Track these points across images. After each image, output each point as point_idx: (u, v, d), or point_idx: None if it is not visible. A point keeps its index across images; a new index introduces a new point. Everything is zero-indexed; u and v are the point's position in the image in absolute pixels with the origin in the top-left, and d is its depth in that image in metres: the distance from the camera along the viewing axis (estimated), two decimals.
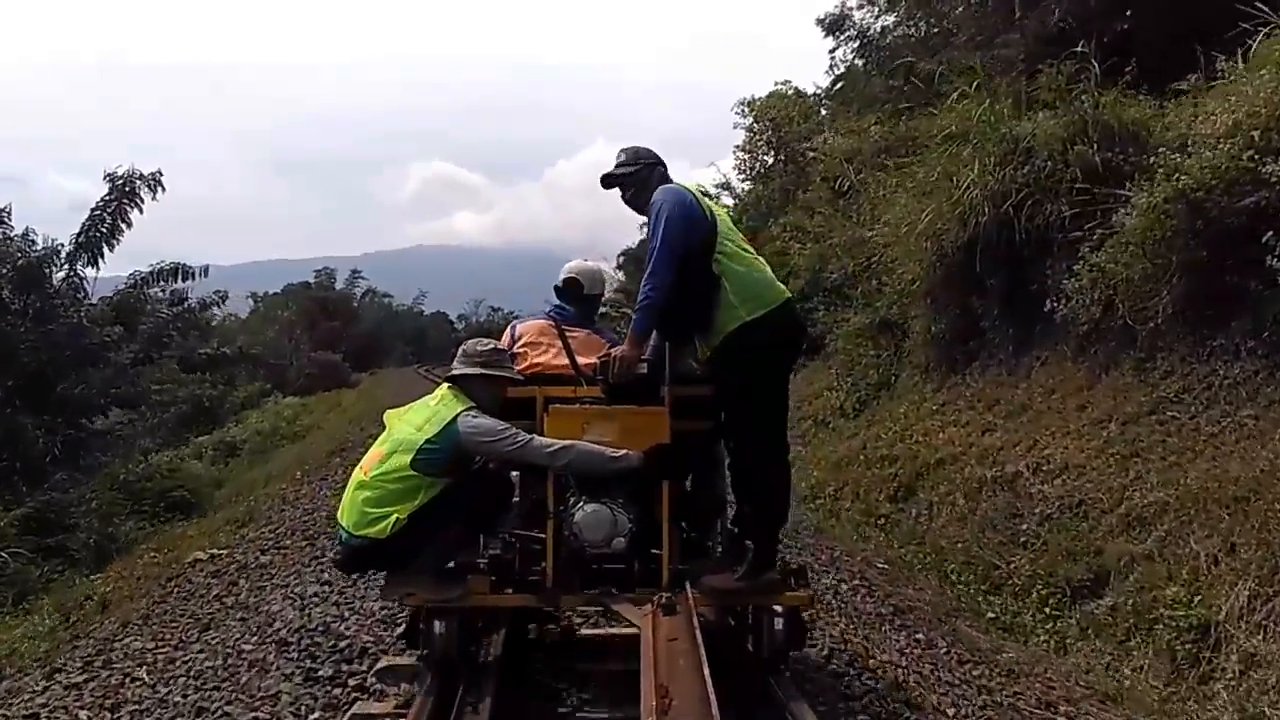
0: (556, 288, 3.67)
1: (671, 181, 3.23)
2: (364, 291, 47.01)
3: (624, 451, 2.98)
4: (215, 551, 6.32)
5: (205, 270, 15.39)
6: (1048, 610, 5.01)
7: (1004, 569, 5.53)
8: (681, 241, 3.00)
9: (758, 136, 17.60)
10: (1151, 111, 7.06)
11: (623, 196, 3.32)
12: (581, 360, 3.30)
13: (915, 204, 8.76)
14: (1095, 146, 6.95)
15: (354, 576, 4.44)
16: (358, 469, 3.12)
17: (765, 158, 17.60)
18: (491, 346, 3.24)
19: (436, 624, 3.00)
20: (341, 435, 13.41)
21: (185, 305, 15.79)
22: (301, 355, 36.25)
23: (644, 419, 3.07)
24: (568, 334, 3.42)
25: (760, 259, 3.24)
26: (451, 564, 3.15)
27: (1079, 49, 7.51)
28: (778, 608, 3.03)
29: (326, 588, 4.62)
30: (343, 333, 39.76)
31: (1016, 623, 5.06)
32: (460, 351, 3.23)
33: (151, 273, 14.65)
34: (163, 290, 15.08)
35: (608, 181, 3.30)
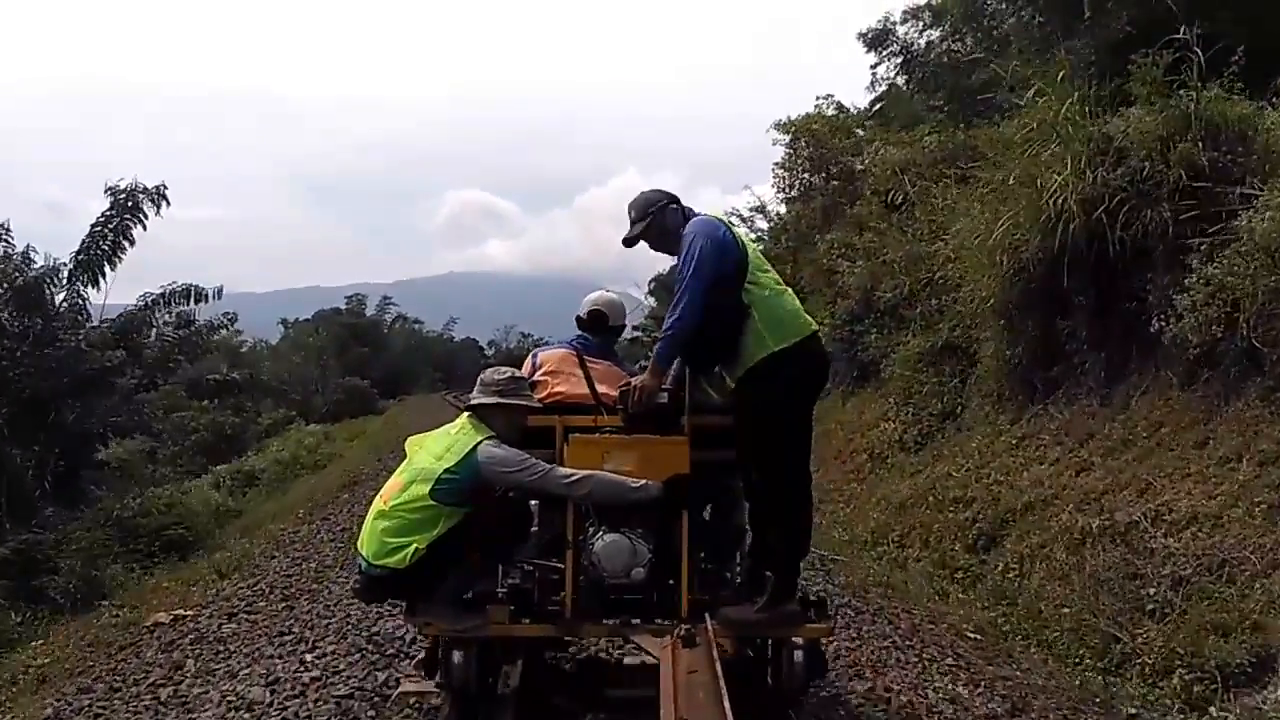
0: (579, 318, 4.23)
1: (694, 213, 3.75)
2: (394, 318, 51.12)
3: (644, 482, 3.48)
4: (180, 613, 6.30)
5: (219, 292, 16.31)
6: (1193, 699, 4.56)
7: (1128, 643, 5.15)
8: (713, 273, 3.50)
9: (798, 154, 18.42)
10: (1252, 109, 7.28)
11: (651, 248, 3.85)
12: (602, 390, 3.82)
13: (986, 214, 9.00)
14: (1200, 145, 7.07)
15: (309, 658, 4.75)
16: (378, 498, 3.67)
17: (806, 175, 18.41)
18: (509, 375, 3.77)
19: (455, 654, 3.50)
20: (357, 467, 14.39)
21: (192, 328, 16.65)
22: (329, 382, 39.41)
23: (664, 449, 3.57)
24: (589, 364, 3.95)
25: (789, 290, 3.74)
26: (470, 594, 3.67)
27: (1180, 35, 7.62)
28: (798, 639, 3.48)
29: (271, 692, 4.37)
30: (372, 359, 43.34)
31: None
32: (479, 381, 3.77)
33: (162, 294, 15.56)
34: (172, 314, 15.97)
35: (629, 244, 3.82)
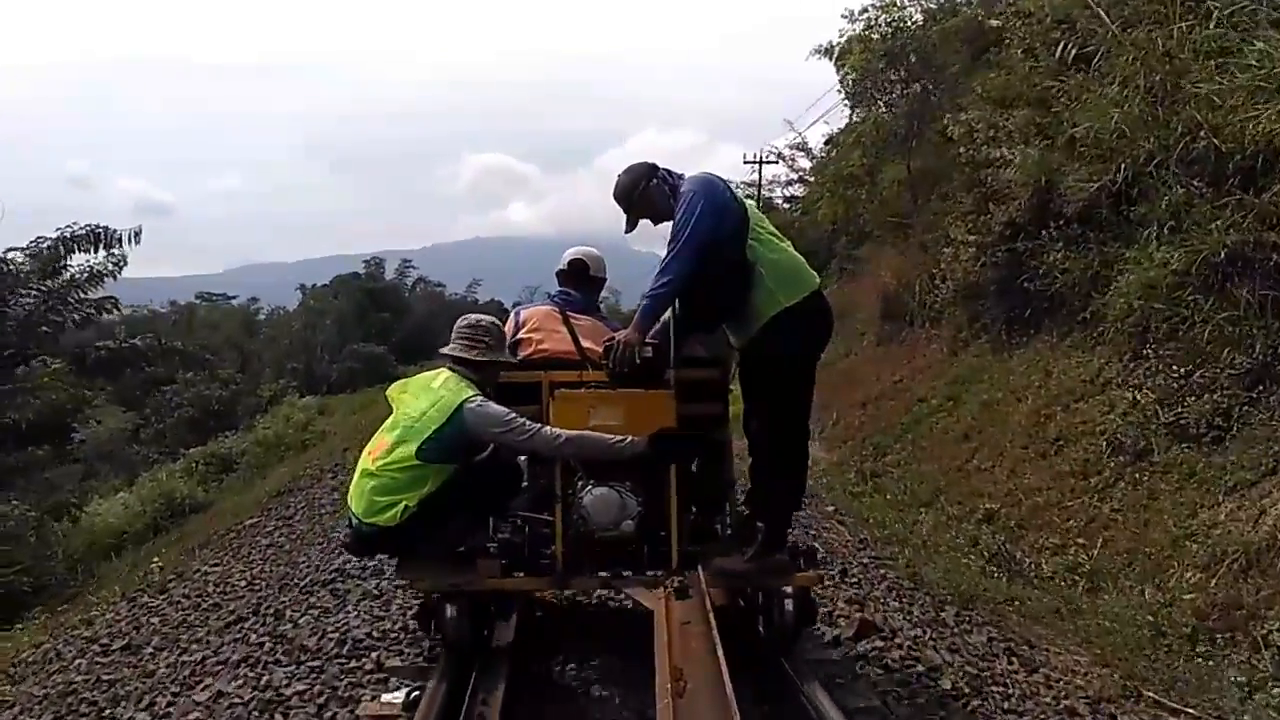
0: (560, 272, 4.20)
1: (679, 177, 3.71)
2: (414, 281, 49.66)
3: (629, 438, 3.49)
4: None
5: (137, 235, 13.65)
6: None
7: None
8: (710, 232, 3.48)
9: (873, 47, 16.90)
10: None
11: (653, 223, 3.81)
12: (586, 345, 3.81)
13: None
14: None
15: None
16: (365, 454, 3.66)
17: (882, 68, 16.97)
18: (470, 323, 3.76)
19: (448, 608, 3.54)
20: (327, 455, 12.84)
21: (61, 279, 13.32)
22: (337, 349, 38.22)
23: (649, 403, 3.59)
24: (573, 320, 3.93)
25: (789, 245, 3.74)
26: (462, 548, 3.69)
27: None
28: (788, 589, 3.55)
29: None
30: (393, 324, 42.06)
31: None
32: (454, 329, 3.77)
33: (59, 239, 12.80)
34: (87, 264, 13.44)
35: (629, 229, 3.81)
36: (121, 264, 14.19)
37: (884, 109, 17.62)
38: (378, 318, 41.73)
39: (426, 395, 3.62)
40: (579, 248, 4.29)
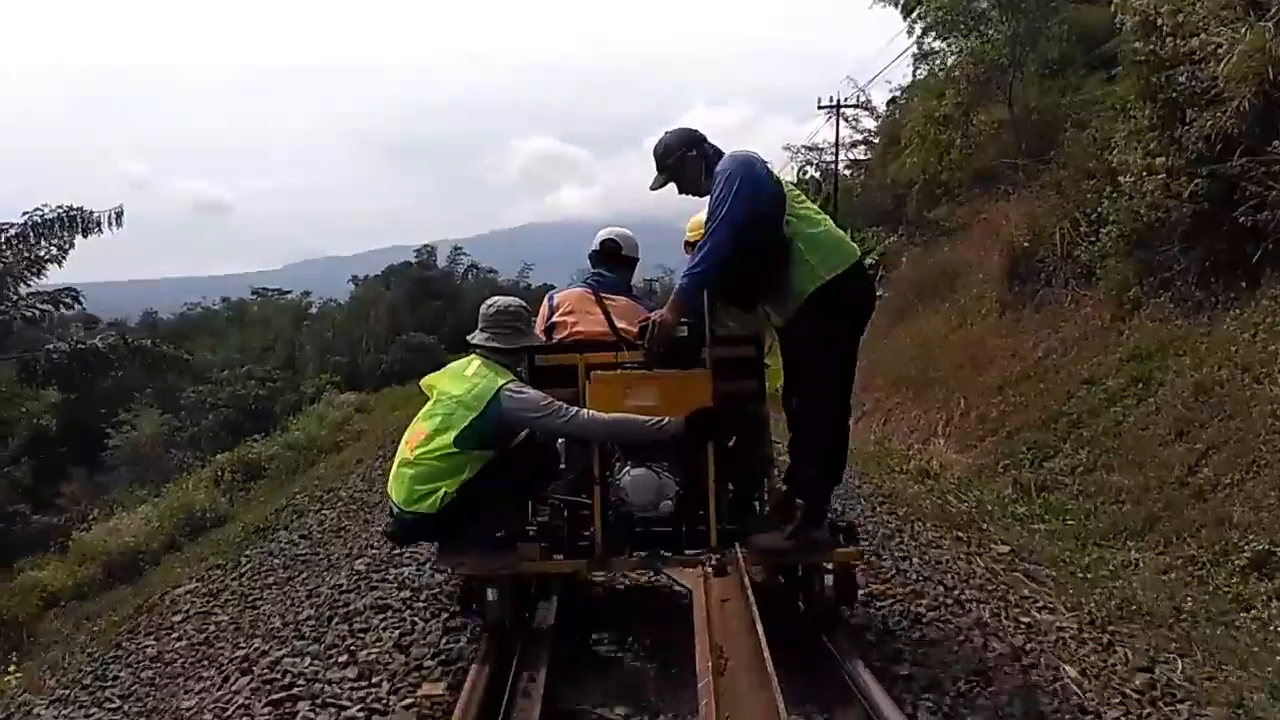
0: (594, 253, 4.21)
1: (718, 153, 3.67)
2: (466, 268, 49.38)
3: (666, 419, 3.49)
4: None
5: (118, 217, 12.03)
6: None
7: None
8: (748, 212, 3.44)
9: None
10: None
11: (679, 191, 3.78)
12: (621, 326, 3.81)
13: None
14: None
15: None
16: (403, 444, 3.70)
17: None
18: (495, 309, 3.76)
19: (489, 591, 3.58)
20: (375, 449, 12.38)
21: (3, 268, 11.79)
22: (386, 340, 37.70)
23: (686, 383, 3.59)
24: (607, 301, 3.94)
25: (829, 219, 3.69)
26: (501, 532, 3.73)
27: None
28: (828, 565, 3.52)
29: None
30: (446, 312, 41.61)
31: None
32: (480, 314, 3.79)
33: (28, 224, 11.33)
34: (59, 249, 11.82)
35: (655, 186, 3.78)
36: (66, 250, 12.12)
37: (980, 39, 16.02)
38: (430, 306, 41.20)
39: (461, 383, 3.65)
40: (611, 228, 4.30)
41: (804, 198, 3.68)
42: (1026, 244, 12.13)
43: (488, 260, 53.82)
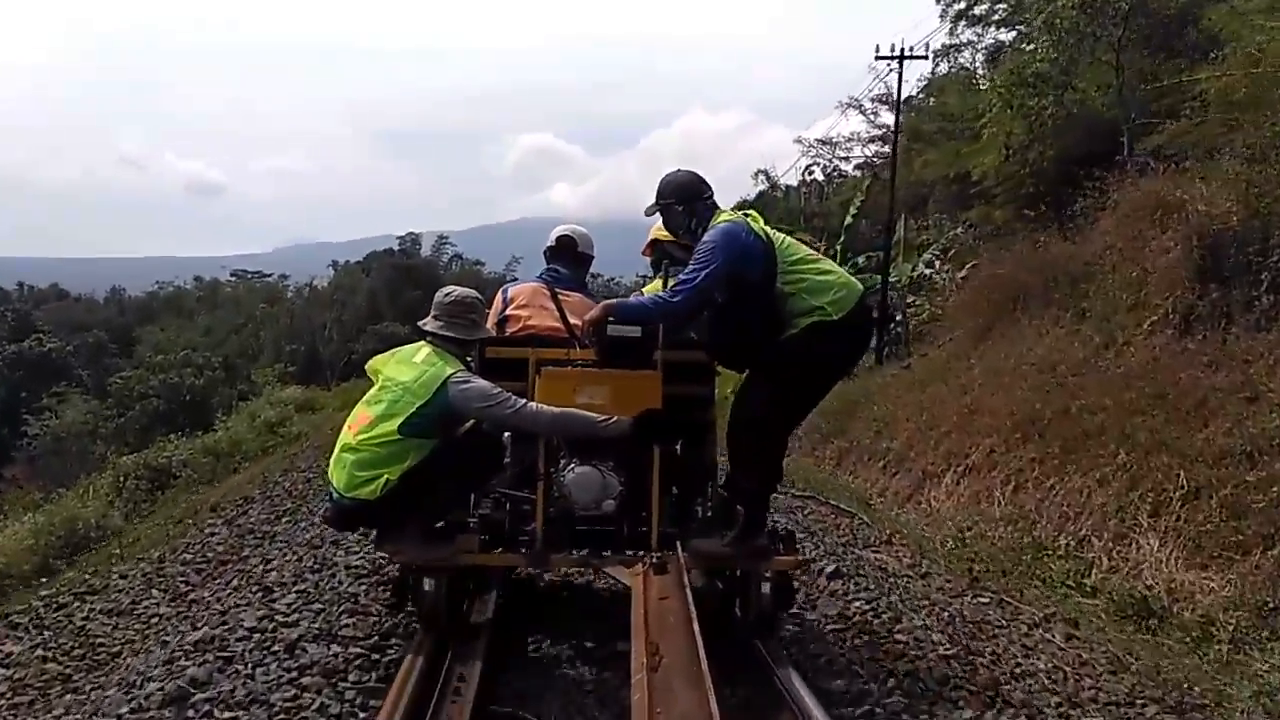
0: (549, 249, 4.22)
1: (709, 211, 3.75)
2: (450, 258, 48.02)
3: (614, 418, 3.50)
4: None
5: None
6: None
7: None
8: (723, 282, 3.53)
9: None
10: None
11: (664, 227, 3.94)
12: (574, 323, 3.82)
13: None
14: None
15: None
16: (345, 429, 3.67)
17: None
18: (454, 299, 3.74)
19: (426, 582, 3.54)
20: (310, 455, 10.92)
21: None
22: (353, 330, 36.05)
23: (636, 383, 3.61)
24: (561, 297, 3.95)
25: (825, 260, 3.77)
26: (441, 523, 3.69)
27: None
28: (766, 572, 3.55)
29: None
30: (425, 303, 41.09)
31: None
32: (434, 302, 3.76)
33: None
34: None
35: (649, 213, 3.92)
36: None
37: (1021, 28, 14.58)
38: (411, 295, 39.01)
39: (409, 369, 3.62)
40: (567, 225, 4.32)
41: (795, 246, 3.74)
42: (1233, 230, 8.12)
43: (479, 253, 52.68)
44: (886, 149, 22.11)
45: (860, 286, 3.76)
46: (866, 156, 26.67)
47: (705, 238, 3.61)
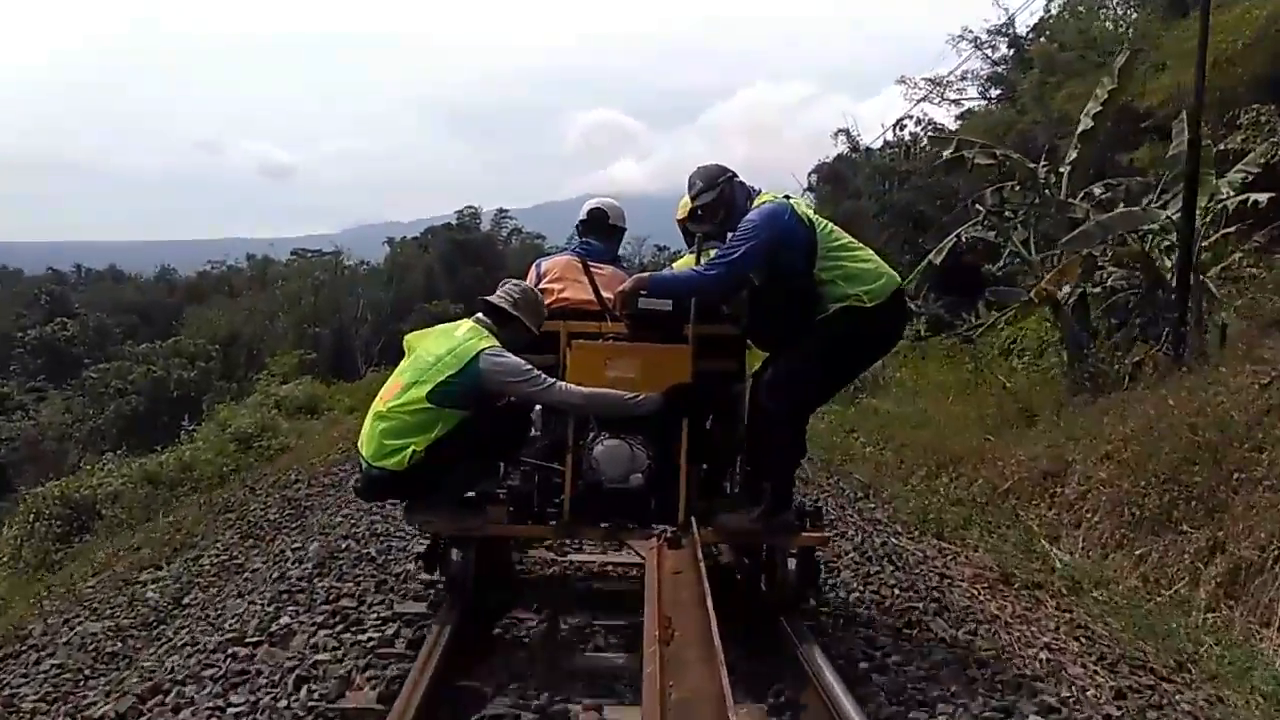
0: (581, 222, 4.24)
1: (740, 195, 3.71)
2: (509, 232, 46.59)
3: (644, 395, 3.50)
4: None
5: None
6: None
7: None
8: (761, 262, 3.52)
9: None
10: None
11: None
12: (607, 295, 3.83)
13: None
14: None
15: None
16: (377, 399, 3.73)
17: None
18: (524, 289, 3.79)
19: (455, 551, 3.61)
20: (282, 488, 7.87)
21: None
22: (391, 313, 34.31)
23: (666, 357, 3.59)
24: (593, 270, 3.95)
25: (865, 249, 3.72)
26: (471, 493, 3.74)
27: None
28: (792, 549, 3.47)
29: None
30: (486, 279, 40.76)
31: None
32: (501, 286, 3.81)
33: None
34: None
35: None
36: None
37: None
38: (468, 272, 37.18)
39: (445, 341, 3.68)
40: (599, 198, 4.32)
41: (837, 233, 3.69)
42: None
43: (541, 229, 50.73)
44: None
45: (898, 279, 3.69)
46: (985, 98, 23.31)
47: (748, 216, 3.59)
